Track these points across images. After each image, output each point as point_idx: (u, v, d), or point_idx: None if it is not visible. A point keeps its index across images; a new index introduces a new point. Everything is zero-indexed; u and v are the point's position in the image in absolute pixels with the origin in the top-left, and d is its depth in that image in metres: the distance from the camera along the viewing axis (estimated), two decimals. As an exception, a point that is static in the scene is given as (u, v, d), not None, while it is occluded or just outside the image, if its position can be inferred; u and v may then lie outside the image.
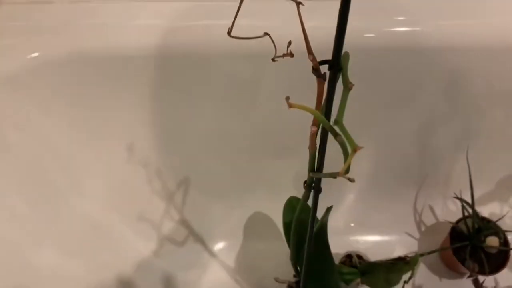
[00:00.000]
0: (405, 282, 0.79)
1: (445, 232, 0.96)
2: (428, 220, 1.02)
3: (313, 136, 0.38)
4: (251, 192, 0.97)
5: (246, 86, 0.81)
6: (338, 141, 0.31)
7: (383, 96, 0.83)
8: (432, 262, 0.98)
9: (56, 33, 0.72)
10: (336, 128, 0.32)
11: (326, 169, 0.42)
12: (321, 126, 0.37)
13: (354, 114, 0.78)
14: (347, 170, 0.29)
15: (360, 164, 0.92)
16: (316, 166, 0.42)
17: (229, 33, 0.36)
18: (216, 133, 0.88)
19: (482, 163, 0.90)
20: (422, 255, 0.84)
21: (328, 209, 0.74)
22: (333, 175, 0.37)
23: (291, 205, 0.78)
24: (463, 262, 0.88)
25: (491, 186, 1.00)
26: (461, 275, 0.96)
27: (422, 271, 0.98)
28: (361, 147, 0.28)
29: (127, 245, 0.86)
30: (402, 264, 0.79)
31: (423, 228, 1.02)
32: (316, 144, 0.40)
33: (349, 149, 0.29)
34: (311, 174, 0.44)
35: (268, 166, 0.96)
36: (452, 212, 1.02)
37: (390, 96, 0.84)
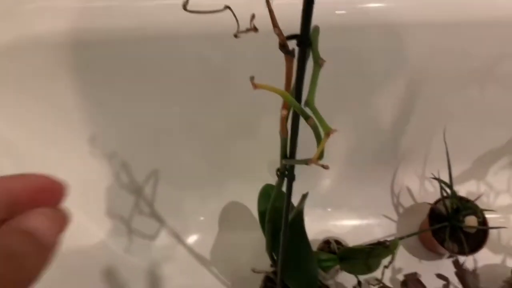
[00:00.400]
0: (385, 267, 0.77)
1: (423, 213, 0.95)
2: (406, 202, 1.01)
3: (284, 120, 0.35)
4: (226, 182, 0.93)
5: (214, 70, 0.76)
6: (309, 124, 0.27)
7: (356, 76, 0.80)
8: (411, 244, 0.97)
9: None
10: (307, 110, 0.28)
11: (302, 153, 0.38)
12: (292, 108, 0.34)
13: (327, 95, 0.75)
14: (321, 155, 0.26)
15: (335, 147, 0.89)
16: (289, 152, 0.39)
17: (184, 7, 0.32)
18: (185, 122, 0.84)
19: (458, 142, 0.88)
20: (401, 238, 0.82)
21: (304, 196, 0.70)
22: (306, 162, 0.33)
23: (266, 193, 0.74)
24: (442, 243, 0.87)
25: (468, 165, 0.99)
26: (440, 255, 0.95)
27: (401, 253, 0.96)
28: (335, 130, 0.25)
29: (96, 244, 0.81)
30: (381, 249, 0.77)
31: (401, 210, 1.00)
32: (287, 128, 0.37)
33: (322, 133, 0.26)
34: (283, 161, 0.40)
35: (242, 154, 0.92)
36: (430, 193, 1.01)
37: (363, 76, 0.81)
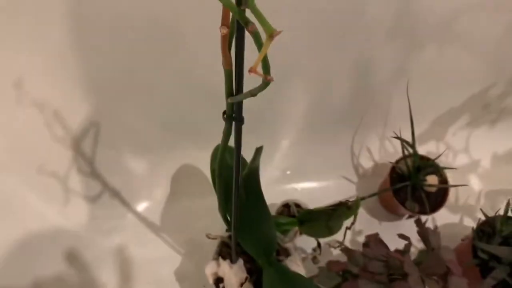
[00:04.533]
0: (347, 228, 0.74)
1: (383, 175, 0.93)
2: (366, 163, 0.98)
3: (225, 42, 0.28)
4: (178, 145, 0.86)
5: (162, 26, 0.69)
6: (250, 31, 0.22)
7: (314, 31, 0.75)
8: (372, 206, 0.95)
9: None
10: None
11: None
12: (235, 26, 0.28)
13: (286, 52, 0.70)
14: (264, 66, 0.20)
15: (294, 107, 0.85)
16: (235, 88, 0.33)
17: None
18: (134, 80, 0.76)
19: (418, 102, 0.84)
20: (363, 198, 0.79)
21: (258, 150, 0.66)
22: (253, 92, 0.27)
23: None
24: (403, 203, 0.85)
25: (427, 126, 0.97)
26: (400, 217, 0.94)
27: (361, 216, 0.94)
28: (279, 31, 0.19)
29: (30, 210, 0.73)
30: (343, 209, 0.73)
31: (361, 171, 0.98)
32: (230, 57, 0.31)
33: (264, 37, 0.20)
34: (229, 100, 0.34)
35: (195, 114, 0.85)
36: (390, 154, 0.98)
37: (322, 31, 0.75)
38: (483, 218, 0.80)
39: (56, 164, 0.75)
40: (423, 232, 0.72)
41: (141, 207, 0.87)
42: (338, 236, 0.77)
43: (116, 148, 0.81)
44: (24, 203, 0.72)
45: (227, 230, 0.76)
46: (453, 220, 0.96)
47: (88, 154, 0.78)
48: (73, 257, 0.78)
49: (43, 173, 0.73)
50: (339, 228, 0.75)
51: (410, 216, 0.91)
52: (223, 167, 0.52)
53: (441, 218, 0.92)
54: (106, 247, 0.82)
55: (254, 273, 0.72)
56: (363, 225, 0.90)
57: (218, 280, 0.71)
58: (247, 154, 0.63)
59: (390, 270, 0.68)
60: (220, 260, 0.69)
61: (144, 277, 0.82)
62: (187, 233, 0.86)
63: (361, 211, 0.95)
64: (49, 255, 0.74)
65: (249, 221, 0.67)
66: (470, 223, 0.95)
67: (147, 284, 0.81)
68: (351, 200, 0.73)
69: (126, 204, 0.85)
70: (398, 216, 0.94)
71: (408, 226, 0.86)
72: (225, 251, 0.74)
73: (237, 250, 0.72)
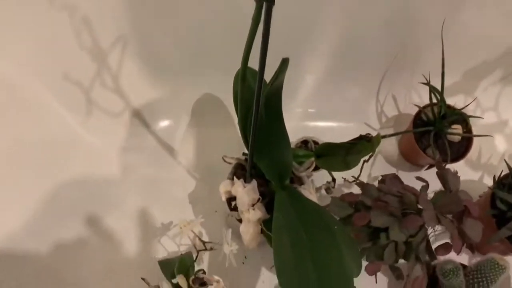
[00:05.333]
0: (365, 161, 0.73)
1: (405, 125, 0.91)
2: (390, 111, 0.96)
3: None
4: (202, 74, 0.86)
5: None
6: None
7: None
8: (391, 154, 0.94)
9: None
10: None
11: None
12: None
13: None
14: None
15: (324, 40, 0.82)
16: None
17: None
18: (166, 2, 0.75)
19: (451, 50, 0.81)
20: (385, 136, 0.78)
21: (284, 62, 0.64)
22: None
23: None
24: (424, 150, 0.83)
25: (458, 77, 0.94)
26: (419, 168, 0.92)
27: (380, 164, 0.93)
28: None
29: (52, 117, 0.74)
30: (363, 144, 0.72)
31: (384, 120, 0.96)
32: None
33: None
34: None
35: (223, 44, 0.84)
36: (414, 106, 0.96)
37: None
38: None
39: (81, 74, 0.75)
40: (443, 173, 0.70)
41: (161, 128, 0.87)
42: (354, 172, 0.76)
43: (142, 68, 0.81)
44: (47, 107, 0.73)
45: (243, 154, 0.76)
46: (472, 176, 0.94)
47: (113, 69, 0.78)
48: (89, 169, 0.80)
49: (68, 80, 0.74)
50: (357, 163, 0.74)
51: (429, 167, 0.89)
52: (245, 78, 0.52)
53: (460, 172, 0.90)
54: (123, 163, 0.83)
55: (266, 196, 0.72)
56: (380, 171, 0.89)
57: (231, 199, 0.71)
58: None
59: (404, 206, 0.68)
60: (235, 179, 0.69)
61: (157, 197, 0.83)
62: (204, 160, 0.86)
63: (379, 159, 0.94)
64: (67, 161, 0.76)
65: (267, 142, 0.67)
66: (490, 183, 0.93)
67: (160, 203, 0.82)
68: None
69: (146, 125, 0.86)
70: (417, 167, 0.92)
71: (426, 177, 0.85)
72: (240, 173, 0.74)
73: (251, 172, 0.72)
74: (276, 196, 0.64)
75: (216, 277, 0.59)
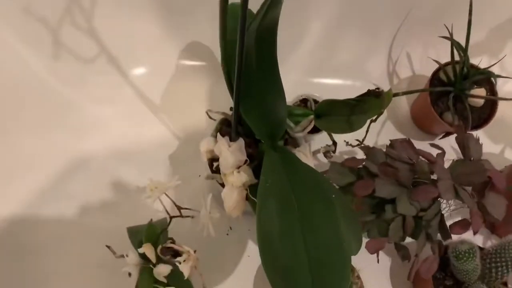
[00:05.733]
0: (372, 121, 0.62)
1: (420, 88, 0.80)
2: (403, 72, 0.85)
3: None
4: (189, 13, 0.74)
5: None
6: None
7: None
8: (401, 120, 0.83)
9: None
10: None
11: None
12: None
13: None
14: None
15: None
16: None
17: None
18: None
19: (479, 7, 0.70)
20: (396, 94, 0.67)
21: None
22: None
23: (234, 10, 0.57)
24: (441, 114, 0.73)
25: (483, 35, 0.82)
26: (433, 136, 0.82)
27: (389, 131, 0.83)
28: None
29: (12, 54, 0.64)
30: (370, 101, 0.61)
31: (395, 81, 0.85)
32: None
33: None
34: None
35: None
36: (430, 67, 0.84)
37: None
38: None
39: (47, 9, 0.65)
40: (463, 139, 0.60)
41: (139, 78, 0.77)
42: (358, 135, 0.66)
43: (119, 6, 0.70)
44: (4, 45, 0.62)
45: (231, 109, 0.65)
46: (492, 149, 0.83)
47: (87, 5, 0.67)
48: (55, 118, 0.70)
49: (30, 16, 0.63)
50: (362, 124, 0.63)
51: (445, 135, 0.78)
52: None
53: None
54: (94, 118, 0.73)
55: (255, 159, 0.62)
56: (388, 140, 0.78)
57: (213, 160, 0.61)
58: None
59: (415, 175, 0.57)
60: (218, 136, 0.59)
61: (134, 158, 0.73)
62: (189, 116, 0.76)
63: (388, 126, 0.83)
64: (30, 111, 0.66)
65: (257, 92, 0.56)
66: (512, 157, 0.83)
67: (136, 165, 0.73)
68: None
69: (124, 74, 0.75)
70: (430, 136, 0.82)
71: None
72: (225, 130, 0.64)
73: (238, 129, 0.62)
74: (265, 157, 0.54)
75: (187, 248, 0.50)
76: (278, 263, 0.45)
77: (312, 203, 0.49)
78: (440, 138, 0.80)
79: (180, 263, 0.49)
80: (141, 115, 0.76)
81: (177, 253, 0.51)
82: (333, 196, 0.52)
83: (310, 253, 0.45)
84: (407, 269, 0.66)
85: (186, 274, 0.49)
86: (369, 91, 0.62)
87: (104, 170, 0.71)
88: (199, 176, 0.73)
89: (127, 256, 0.56)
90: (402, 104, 0.84)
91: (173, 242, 0.52)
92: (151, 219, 0.56)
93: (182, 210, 0.60)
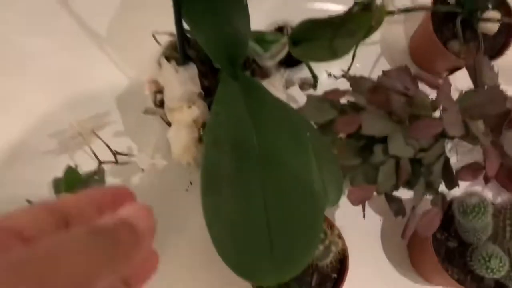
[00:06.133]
0: (365, 36, 0.49)
1: (420, 16, 0.66)
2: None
3: None
4: None
5: None
6: None
7: None
8: (399, 58, 0.71)
9: None
10: None
11: None
12: None
13: None
14: None
15: None
16: None
17: None
18: None
19: None
20: (391, 13, 0.54)
21: None
22: None
23: None
24: (445, 43, 0.60)
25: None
26: (435, 75, 0.69)
27: (381, 69, 0.69)
28: None
29: None
30: (358, 17, 0.48)
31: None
32: None
33: None
34: None
35: None
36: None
37: None
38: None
39: None
40: (475, 64, 0.47)
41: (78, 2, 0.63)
42: (343, 64, 0.53)
43: None
44: None
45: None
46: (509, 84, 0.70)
47: None
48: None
49: None
50: (348, 49, 0.50)
51: (450, 73, 0.65)
52: None
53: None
54: (25, 50, 0.60)
55: (212, 94, 0.49)
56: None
57: (159, 93, 0.49)
58: None
59: (413, 108, 0.45)
60: (162, 61, 0.46)
61: (70, 95, 0.60)
62: (139, 47, 0.62)
63: (382, 63, 0.70)
64: None
65: (209, 1, 0.43)
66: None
67: (75, 105, 0.60)
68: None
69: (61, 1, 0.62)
70: (432, 75, 0.69)
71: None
72: (174, 56, 0.51)
73: (190, 53, 0.49)
74: (220, 86, 0.42)
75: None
76: (226, 218, 0.33)
77: (277, 141, 0.37)
78: (446, 76, 0.67)
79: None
80: (80, 45, 0.63)
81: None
82: (307, 134, 0.39)
83: (269, 203, 0.33)
84: (401, 228, 0.54)
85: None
86: (355, 3, 0.49)
87: (36, 107, 0.58)
88: (154, 119, 0.60)
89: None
90: (399, 38, 0.71)
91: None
92: (69, 165, 0.43)
93: (122, 157, 0.48)
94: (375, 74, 0.67)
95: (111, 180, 0.56)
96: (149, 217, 0.20)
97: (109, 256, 0.16)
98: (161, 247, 0.57)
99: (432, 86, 0.44)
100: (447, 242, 0.52)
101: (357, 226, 0.52)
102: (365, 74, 0.68)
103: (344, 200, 0.51)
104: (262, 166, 0.36)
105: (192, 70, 0.46)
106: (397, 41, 0.71)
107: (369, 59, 0.70)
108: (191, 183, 0.59)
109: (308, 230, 0.33)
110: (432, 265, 0.52)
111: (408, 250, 0.59)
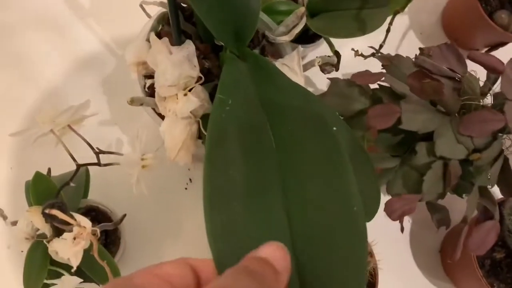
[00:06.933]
0: (396, 12, 0.40)
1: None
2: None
3: None
4: None
5: None
6: None
7: None
8: (430, 31, 0.62)
9: None
10: None
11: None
12: None
13: None
14: None
15: None
16: None
17: None
18: None
19: None
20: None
21: None
22: None
23: None
24: (491, 14, 0.50)
25: None
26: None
27: (413, 45, 0.60)
28: None
29: None
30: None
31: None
32: None
33: None
34: None
35: None
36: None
37: None
38: None
39: None
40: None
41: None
42: (373, 41, 0.44)
43: None
44: None
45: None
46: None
47: None
48: None
49: None
50: (380, 22, 0.41)
51: (491, 49, 0.56)
52: None
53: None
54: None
55: (214, 78, 0.41)
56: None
57: (148, 77, 0.40)
58: None
59: (463, 97, 0.36)
60: (152, 37, 0.37)
61: (56, 79, 0.52)
62: (125, 21, 0.53)
63: (411, 38, 0.62)
64: None
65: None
66: None
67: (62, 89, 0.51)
68: None
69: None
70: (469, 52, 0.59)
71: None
72: (167, 31, 0.42)
73: (186, 27, 0.40)
74: (225, 67, 0.33)
75: (81, 218, 0.30)
76: (239, 246, 0.24)
77: (300, 138, 0.28)
78: (486, 51, 0.57)
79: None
80: (62, 22, 0.53)
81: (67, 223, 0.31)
82: (334, 128, 0.30)
83: (295, 226, 0.25)
84: (433, 230, 0.46)
85: (73, 262, 0.29)
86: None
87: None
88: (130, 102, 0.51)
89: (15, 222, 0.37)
90: (430, 8, 0.62)
91: (62, 205, 0.31)
92: (37, 172, 0.35)
93: (106, 156, 0.39)
94: (403, 51, 0.59)
95: (96, 181, 0.48)
96: (285, 258, 0.19)
97: None
98: (159, 251, 0.49)
99: (491, 69, 0.35)
100: (493, 253, 0.44)
101: (386, 235, 0.44)
102: (391, 51, 0.59)
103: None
104: (282, 171, 0.27)
105: (188, 49, 0.37)
106: (428, 12, 0.61)
107: (395, 33, 0.60)
108: (190, 180, 0.51)
109: (351, 259, 0.24)
110: (473, 279, 0.44)
111: (441, 256, 0.52)
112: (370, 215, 0.32)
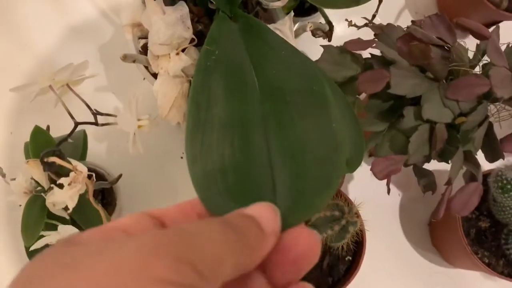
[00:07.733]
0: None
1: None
2: None
3: None
4: None
5: None
6: None
7: None
8: (425, 10, 0.62)
9: None
10: None
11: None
12: None
13: None
14: None
15: None
16: None
17: None
18: None
19: None
20: None
21: None
22: None
23: None
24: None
25: None
26: (466, 32, 0.60)
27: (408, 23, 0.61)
28: None
29: None
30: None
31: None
32: None
33: None
34: None
35: None
36: None
37: None
38: None
39: None
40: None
41: None
42: (365, 12, 0.45)
43: None
44: None
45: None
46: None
47: None
48: None
49: None
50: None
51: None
52: None
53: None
54: None
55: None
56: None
57: (142, 38, 0.41)
58: None
59: (452, 64, 0.37)
60: (148, 1, 0.38)
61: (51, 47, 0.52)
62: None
63: (406, 17, 0.62)
64: None
65: None
66: None
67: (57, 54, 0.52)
68: None
69: None
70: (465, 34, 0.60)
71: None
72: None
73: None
74: (215, 23, 0.33)
75: (76, 163, 0.30)
76: (215, 156, 0.24)
77: (282, 79, 0.28)
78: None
79: (62, 186, 0.30)
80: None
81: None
82: (325, 88, 0.31)
83: (273, 146, 0.25)
84: (422, 203, 0.47)
85: (69, 204, 0.30)
86: None
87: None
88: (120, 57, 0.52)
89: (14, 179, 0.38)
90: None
91: (61, 153, 0.32)
92: (36, 126, 0.35)
93: (104, 118, 0.40)
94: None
95: (94, 145, 0.49)
96: (274, 219, 0.18)
97: (238, 243, 0.16)
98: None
99: (478, 35, 0.36)
100: (478, 222, 0.45)
101: (374, 202, 0.45)
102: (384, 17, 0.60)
103: (359, 174, 0.44)
104: (264, 108, 0.27)
105: (182, 10, 0.38)
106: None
107: (391, 11, 0.61)
108: (186, 148, 0.52)
109: (325, 161, 0.24)
110: (459, 247, 0.45)
111: (430, 229, 0.53)
112: (355, 164, 0.33)
